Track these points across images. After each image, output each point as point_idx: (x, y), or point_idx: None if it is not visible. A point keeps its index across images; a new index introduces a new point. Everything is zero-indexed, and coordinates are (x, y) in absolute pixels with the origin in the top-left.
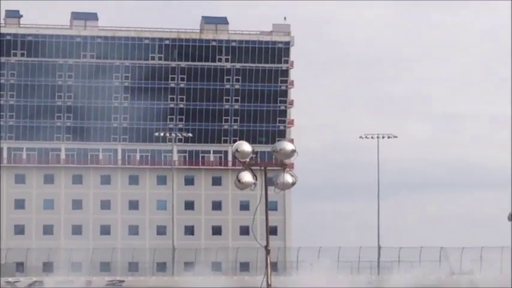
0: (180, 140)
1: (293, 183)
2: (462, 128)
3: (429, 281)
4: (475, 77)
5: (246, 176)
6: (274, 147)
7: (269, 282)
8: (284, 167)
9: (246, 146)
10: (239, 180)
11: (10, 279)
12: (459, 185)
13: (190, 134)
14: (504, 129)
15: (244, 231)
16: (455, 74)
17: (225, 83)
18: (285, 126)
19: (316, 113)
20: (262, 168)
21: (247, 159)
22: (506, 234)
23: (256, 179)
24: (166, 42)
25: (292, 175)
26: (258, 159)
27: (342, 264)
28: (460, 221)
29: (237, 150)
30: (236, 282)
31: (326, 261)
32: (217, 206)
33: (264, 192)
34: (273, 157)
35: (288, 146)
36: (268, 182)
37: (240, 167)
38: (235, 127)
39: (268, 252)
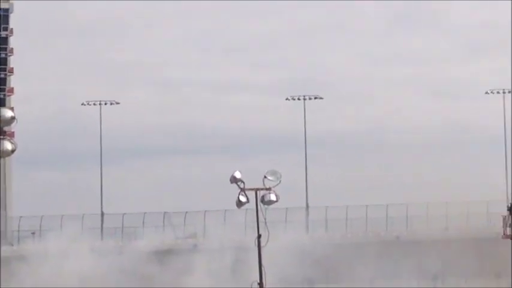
0: None
1: (13, 150)
2: (183, 93)
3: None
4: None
5: None
6: None
7: None
8: (4, 134)
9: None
10: None
11: None
12: (183, 150)
13: None
14: (223, 94)
15: None
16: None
17: None
18: (4, 95)
19: (37, 81)
20: None
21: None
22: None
23: None
24: None
25: (12, 142)
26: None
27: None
28: (184, 186)
29: None
30: None
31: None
32: None
33: None
34: None
35: (8, 113)
36: None
37: None
38: None
39: None
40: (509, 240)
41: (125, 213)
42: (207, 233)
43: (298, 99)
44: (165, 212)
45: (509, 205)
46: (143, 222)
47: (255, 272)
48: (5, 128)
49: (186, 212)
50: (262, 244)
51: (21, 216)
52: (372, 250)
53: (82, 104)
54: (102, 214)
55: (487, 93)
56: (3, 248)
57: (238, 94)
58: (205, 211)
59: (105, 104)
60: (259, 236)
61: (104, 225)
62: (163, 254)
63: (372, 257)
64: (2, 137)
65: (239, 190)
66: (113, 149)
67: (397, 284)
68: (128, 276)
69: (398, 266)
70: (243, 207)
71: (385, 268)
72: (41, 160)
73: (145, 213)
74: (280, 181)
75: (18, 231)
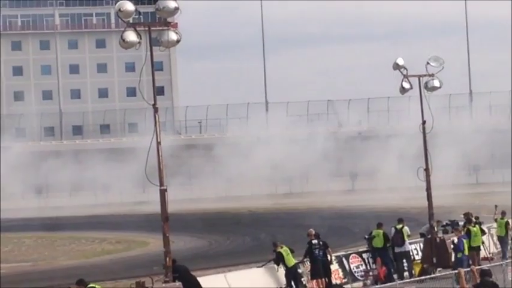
0: (61, 4)
1: (178, 41)
2: None
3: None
4: None
5: (131, 35)
6: (157, 5)
7: (158, 140)
8: (168, 25)
9: (128, 5)
10: (124, 40)
11: None
12: (343, 38)
13: None
14: None
15: (131, 92)
16: None
17: None
18: None
19: None
20: (147, 29)
21: (131, 19)
22: (391, 83)
23: (141, 38)
24: None
25: (176, 33)
26: (142, 19)
27: (230, 121)
28: (347, 74)
29: (119, 10)
30: (125, 144)
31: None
32: (102, 68)
33: (149, 52)
34: (157, 17)
35: (171, 4)
36: (153, 43)
37: (124, 30)
38: None
39: (156, 110)
40: None
41: (288, 102)
42: (370, 120)
43: None
44: (328, 100)
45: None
46: (307, 110)
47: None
48: (169, 19)
49: (350, 100)
50: (426, 130)
51: (187, 106)
52: None
53: None
54: (267, 102)
55: None
56: (172, 137)
57: None
58: (369, 98)
59: None
60: (423, 122)
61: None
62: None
63: None
64: (166, 27)
65: (402, 77)
66: (274, 39)
67: None
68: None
69: None
70: (406, 94)
71: None
72: (204, 51)
73: (309, 101)
74: (443, 67)
75: (186, 120)
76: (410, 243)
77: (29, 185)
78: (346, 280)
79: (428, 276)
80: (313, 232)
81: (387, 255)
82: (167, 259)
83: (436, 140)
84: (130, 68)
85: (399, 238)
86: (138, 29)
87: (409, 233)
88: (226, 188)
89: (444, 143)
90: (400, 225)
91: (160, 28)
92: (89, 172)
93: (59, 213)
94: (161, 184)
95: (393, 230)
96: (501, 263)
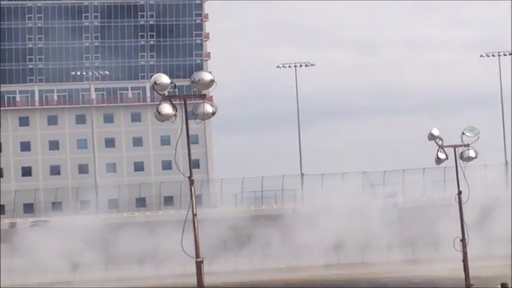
0: (97, 78)
1: (213, 113)
2: (377, 54)
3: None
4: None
5: (166, 108)
6: (192, 77)
7: (194, 212)
8: (203, 97)
9: (164, 78)
10: (159, 112)
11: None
12: (379, 110)
13: (107, 72)
14: (417, 53)
15: (167, 166)
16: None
17: (139, 19)
18: (201, 60)
19: (233, 45)
20: (182, 101)
21: (166, 92)
22: (426, 155)
23: (176, 111)
24: None
25: (212, 105)
26: (177, 91)
27: (266, 193)
28: (381, 145)
29: (155, 83)
30: (161, 217)
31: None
32: (138, 142)
33: (185, 124)
34: (192, 89)
35: (207, 76)
36: (188, 116)
37: (159, 102)
38: (151, 63)
39: (192, 182)
40: None
41: (323, 174)
42: (406, 192)
43: (493, 55)
44: (363, 172)
45: None
46: (342, 181)
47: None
48: (204, 92)
49: (385, 171)
50: (462, 201)
51: (222, 179)
52: None
53: (277, 67)
54: (302, 175)
55: None
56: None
57: (432, 52)
58: (404, 170)
59: (300, 66)
60: (459, 193)
61: (304, 186)
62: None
63: None
64: (202, 100)
65: (437, 147)
66: (309, 110)
67: None
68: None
69: None
70: (441, 165)
71: None
72: (239, 123)
73: (344, 173)
74: (478, 137)
75: (221, 193)
76: None
77: (64, 258)
78: None
79: None
80: None
81: None
82: None
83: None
84: (165, 141)
85: None
86: (173, 101)
87: None
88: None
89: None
90: None
91: (195, 101)
92: (132, 245)
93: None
94: (197, 256)
95: None
96: None
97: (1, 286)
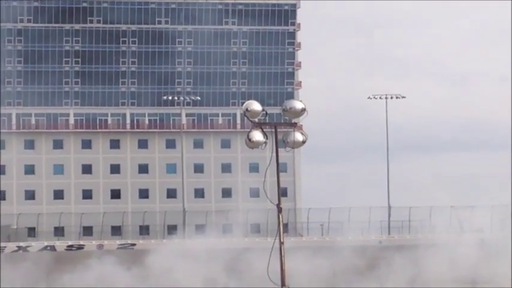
0: (188, 104)
1: (303, 141)
2: (470, 87)
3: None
4: (481, 38)
5: (257, 135)
6: (284, 105)
7: (281, 240)
8: (294, 125)
9: (255, 105)
10: (250, 139)
11: (22, 243)
12: (469, 146)
13: (198, 97)
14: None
15: (254, 193)
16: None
17: (232, 45)
18: (293, 88)
19: (324, 74)
20: (273, 129)
21: (257, 119)
22: None
23: (267, 138)
24: (173, 6)
25: (302, 133)
26: (267, 119)
27: (353, 224)
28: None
29: (247, 110)
30: (248, 244)
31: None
32: (226, 168)
33: (274, 152)
34: (282, 117)
35: (298, 105)
36: (279, 143)
37: (249, 130)
38: (243, 90)
39: (280, 210)
40: None
41: (411, 207)
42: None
43: None
44: (451, 206)
45: None
46: (430, 215)
47: None
48: (295, 120)
49: (473, 207)
50: None
51: (309, 208)
52: None
53: (368, 98)
54: (389, 207)
55: None
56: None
57: None
58: (492, 205)
59: (391, 98)
60: None
61: (391, 218)
62: None
63: None
64: (292, 128)
65: None
66: (399, 143)
67: None
68: None
69: None
70: None
71: None
72: (328, 153)
73: (431, 207)
74: None
75: (308, 222)
76: None
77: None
78: None
79: None
80: None
81: None
82: None
83: None
84: (254, 168)
85: None
86: (264, 129)
87: None
88: None
89: None
90: None
91: (286, 129)
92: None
93: None
94: (283, 284)
95: None
96: None
97: None
